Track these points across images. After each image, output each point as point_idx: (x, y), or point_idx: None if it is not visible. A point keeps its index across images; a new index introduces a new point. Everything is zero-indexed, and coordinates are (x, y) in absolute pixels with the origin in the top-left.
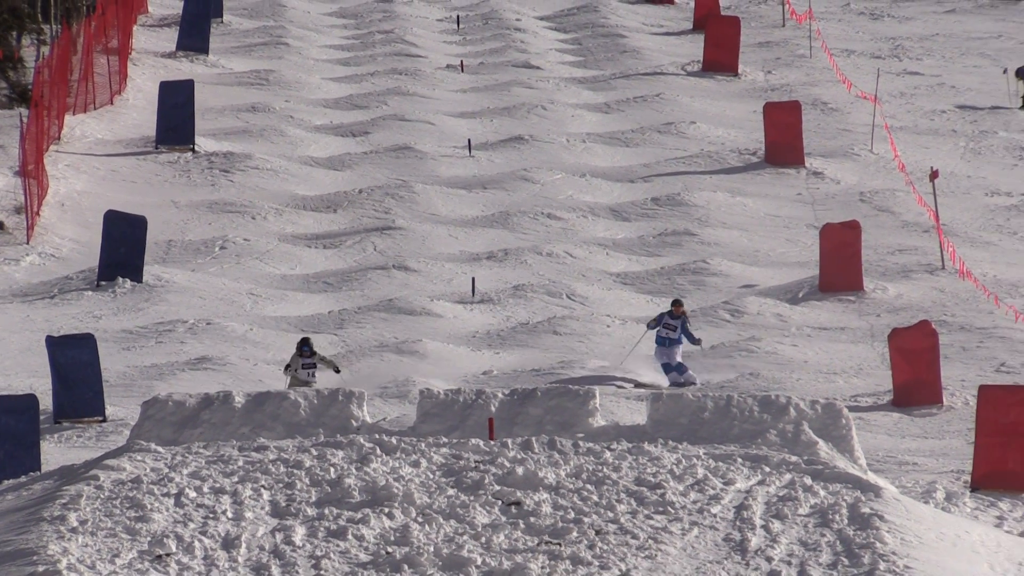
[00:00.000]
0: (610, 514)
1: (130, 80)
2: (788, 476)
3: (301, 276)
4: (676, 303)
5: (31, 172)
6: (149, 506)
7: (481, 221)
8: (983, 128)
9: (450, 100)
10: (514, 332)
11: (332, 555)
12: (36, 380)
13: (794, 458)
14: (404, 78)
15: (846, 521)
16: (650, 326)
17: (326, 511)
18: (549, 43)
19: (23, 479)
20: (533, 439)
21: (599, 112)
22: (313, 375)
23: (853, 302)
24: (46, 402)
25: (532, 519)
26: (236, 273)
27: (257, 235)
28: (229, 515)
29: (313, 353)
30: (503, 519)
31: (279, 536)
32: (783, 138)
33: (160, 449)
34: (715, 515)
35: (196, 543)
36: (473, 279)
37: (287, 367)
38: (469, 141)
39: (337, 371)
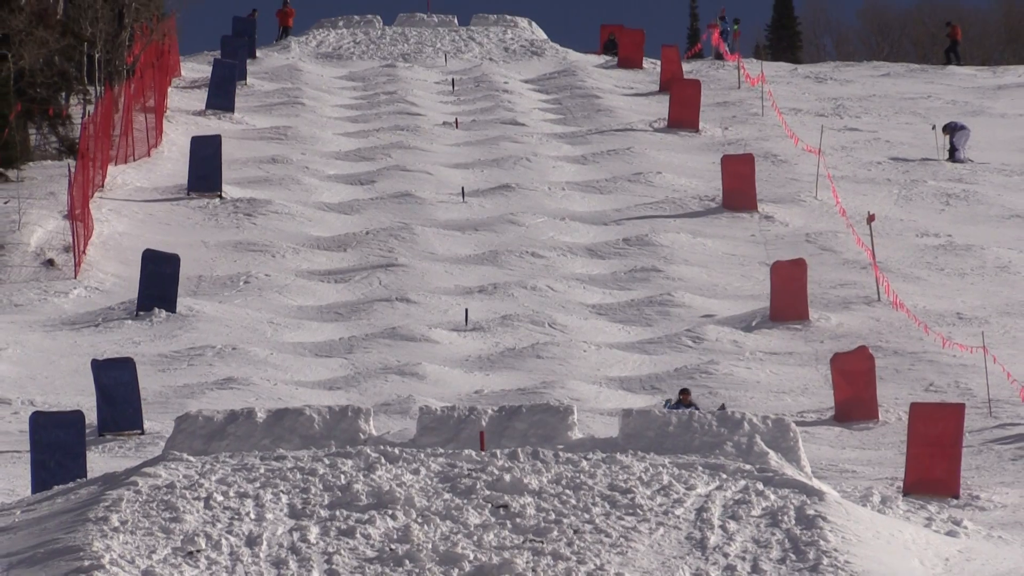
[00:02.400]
0: (586, 515)
1: (165, 135)
2: (743, 482)
3: (315, 307)
4: (684, 392)
5: (78, 216)
6: (182, 508)
7: (473, 259)
8: (914, 177)
9: (446, 153)
10: (502, 356)
11: (342, 551)
12: (83, 398)
13: (748, 466)
14: (405, 133)
15: (793, 522)
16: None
17: (337, 513)
18: (533, 103)
19: (71, 485)
20: (519, 450)
21: (576, 163)
22: None
23: (800, 330)
24: (91, 417)
25: (518, 520)
26: (258, 304)
27: (276, 271)
28: (252, 516)
29: None
30: (492, 520)
31: (296, 535)
32: (738, 186)
33: (191, 458)
34: (678, 516)
35: (223, 541)
36: (466, 310)
37: None
38: (463, 189)
39: None
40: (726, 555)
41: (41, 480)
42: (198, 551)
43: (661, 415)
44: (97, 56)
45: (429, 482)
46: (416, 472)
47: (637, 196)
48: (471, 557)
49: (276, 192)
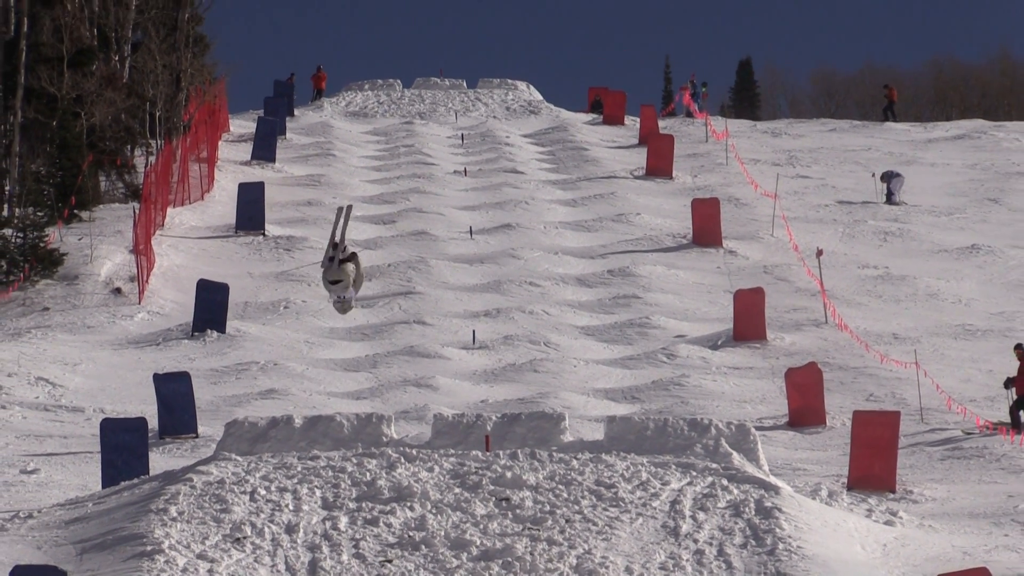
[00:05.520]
0: (576, 507)
1: (216, 182)
2: (710, 479)
3: (345, 328)
4: None
5: (142, 250)
6: (230, 501)
7: (479, 287)
8: (856, 218)
9: (456, 197)
10: (504, 370)
11: (368, 538)
12: (145, 406)
13: (714, 465)
14: (421, 180)
15: (753, 512)
16: None
17: (363, 505)
18: (530, 154)
19: (135, 481)
20: (519, 451)
21: (568, 206)
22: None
23: (759, 348)
24: (153, 423)
25: (518, 511)
26: (296, 326)
27: (311, 298)
28: (290, 508)
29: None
30: (496, 511)
31: (328, 524)
32: (706, 225)
33: (239, 458)
34: (655, 508)
35: (266, 529)
36: (473, 331)
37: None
38: (470, 227)
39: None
40: (696, 541)
41: (110, 477)
42: (244, 537)
43: (640, 421)
44: (158, 114)
45: (442, 478)
46: (431, 470)
47: (619, 234)
48: (478, 543)
49: (311, 230)
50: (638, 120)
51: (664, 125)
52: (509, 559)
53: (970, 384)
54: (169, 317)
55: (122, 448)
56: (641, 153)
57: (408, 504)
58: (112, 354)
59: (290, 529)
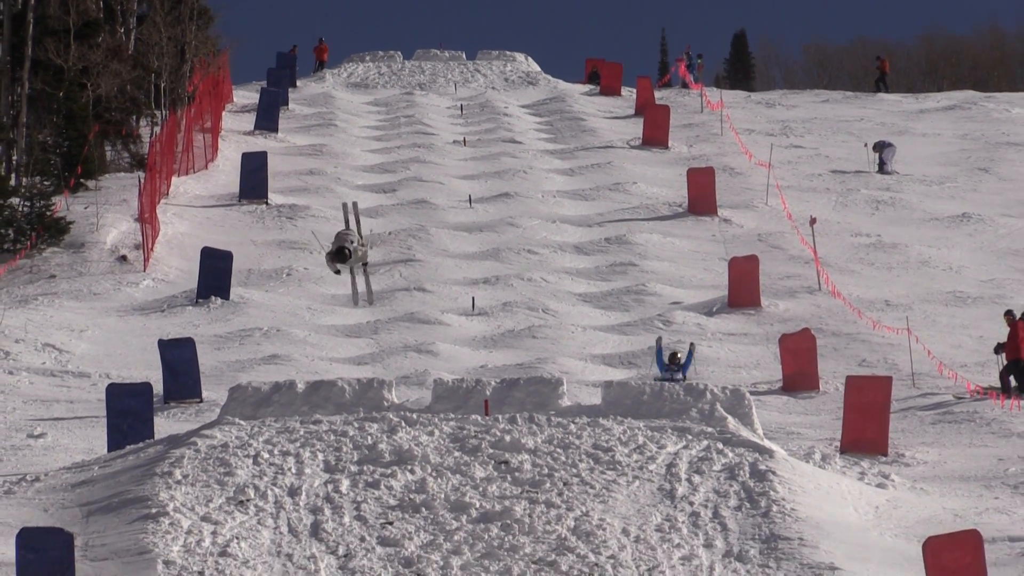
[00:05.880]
0: (574, 470)
1: (220, 151)
2: (705, 442)
3: (346, 296)
4: (672, 357)
5: (147, 219)
6: (234, 464)
7: (478, 255)
8: (849, 187)
9: (456, 166)
10: (503, 336)
11: (369, 500)
12: (150, 372)
13: (710, 429)
14: (422, 150)
15: (748, 475)
16: (660, 366)
17: (364, 468)
18: (529, 125)
19: (140, 445)
20: (517, 415)
21: (565, 175)
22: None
23: (753, 315)
24: (158, 388)
25: (516, 474)
26: (298, 293)
27: (313, 265)
28: (293, 471)
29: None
30: (495, 474)
31: (330, 486)
32: (701, 194)
33: (242, 422)
34: (651, 471)
35: (269, 491)
36: (473, 298)
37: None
38: (470, 196)
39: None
40: (691, 503)
41: (115, 441)
42: (248, 500)
43: (636, 386)
44: (162, 85)
45: (442, 442)
46: (431, 434)
47: (616, 203)
48: (477, 505)
49: (313, 199)
50: (634, 91)
51: (660, 96)
52: (508, 521)
53: (961, 350)
54: (174, 284)
55: (127, 413)
56: (637, 123)
57: (408, 467)
58: (118, 320)
59: (293, 492)
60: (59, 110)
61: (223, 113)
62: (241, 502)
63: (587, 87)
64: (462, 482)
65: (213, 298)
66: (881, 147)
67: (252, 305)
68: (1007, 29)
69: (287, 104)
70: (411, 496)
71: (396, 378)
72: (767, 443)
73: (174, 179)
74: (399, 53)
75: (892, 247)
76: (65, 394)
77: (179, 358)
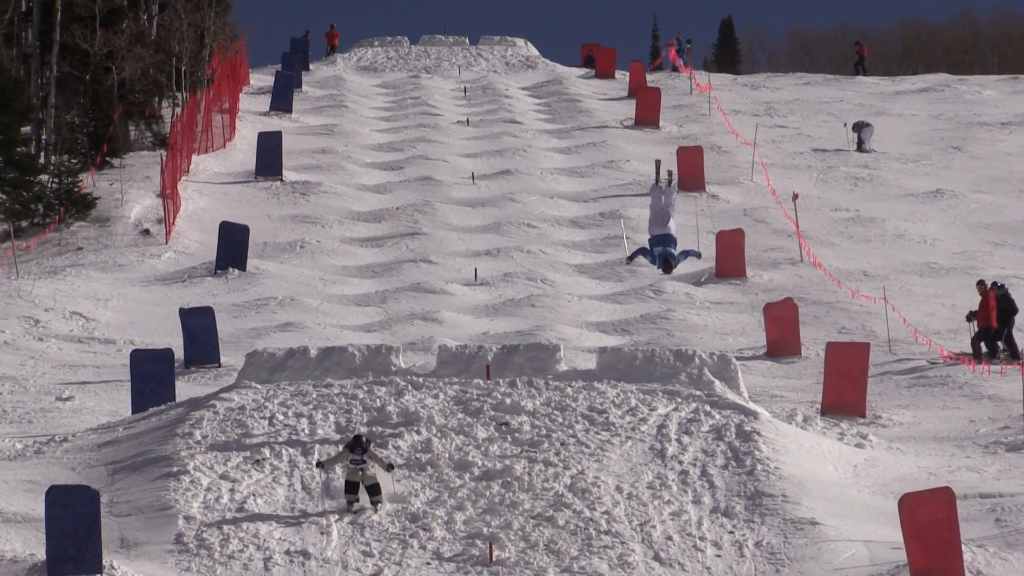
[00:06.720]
0: (570, 431)
1: (237, 131)
2: (694, 405)
3: (356, 267)
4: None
5: (169, 195)
6: (251, 425)
7: (481, 229)
8: (829, 164)
9: (459, 145)
10: (504, 305)
11: None
12: (172, 339)
13: (698, 392)
14: (427, 130)
15: (734, 436)
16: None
17: (373, 429)
18: (528, 106)
19: (162, 407)
20: (517, 379)
21: (562, 153)
22: (359, 471)
23: (739, 285)
24: (179, 354)
25: (516, 435)
26: (311, 264)
27: (325, 238)
28: (306, 432)
29: (365, 451)
30: (496, 435)
31: (341, 446)
32: (691, 171)
33: (258, 386)
34: (643, 432)
35: (283, 451)
36: (475, 269)
37: (321, 464)
38: (472, 173)
39: (389, 468)
40: (681, 462)
41: (139, 404)
42: (263, 459)
43: (629, 353)
44: (183, 68)
45: (446, 405)
46: (436, 397)
47: (610, 179)
48: (479, 464)
49: (325, 176)
50: (628, 74)
51: (652, 79)
52: (508, 479)
53: (935, 318)
54: (194, 256)
55: (150, 377)
56: (630, 105)
57: (415, 428)
58: (141, 290)
59: (306, 451)
60: (85, 92)
61: (240, 95)
62: (257, 461)
63: (583, 71)
64: (465, 442)
65: (231, 269)
66: (860, 127)
67: (267, 276)
68: (979, 15)
69: (300, 86)
70: (417, 455)
71: (403, 344)
72: (752, 405)
73: (194, 157)
74: (406, 38)
75: (870, 221)
76: (91, 360)
77: (199, 326)
